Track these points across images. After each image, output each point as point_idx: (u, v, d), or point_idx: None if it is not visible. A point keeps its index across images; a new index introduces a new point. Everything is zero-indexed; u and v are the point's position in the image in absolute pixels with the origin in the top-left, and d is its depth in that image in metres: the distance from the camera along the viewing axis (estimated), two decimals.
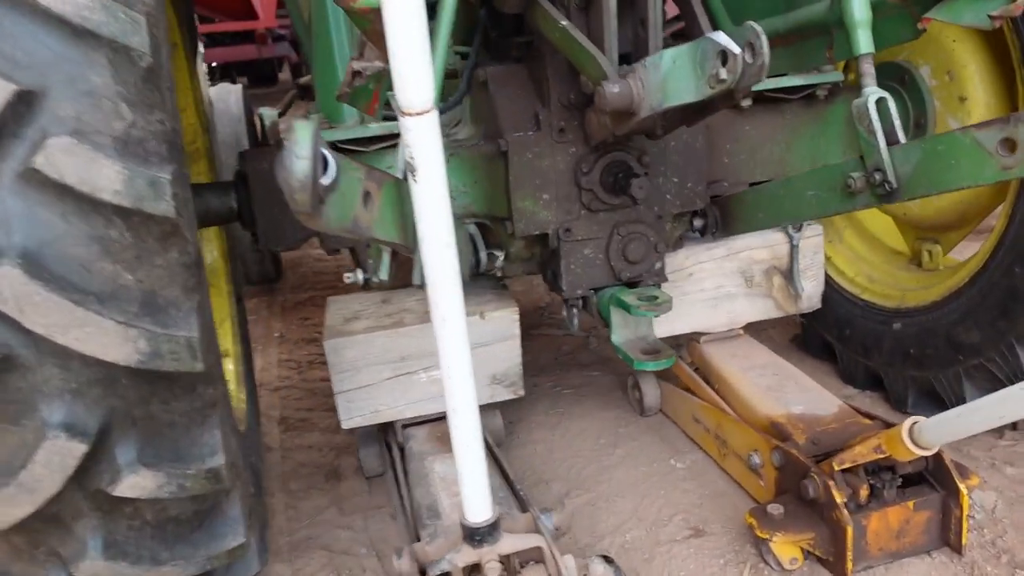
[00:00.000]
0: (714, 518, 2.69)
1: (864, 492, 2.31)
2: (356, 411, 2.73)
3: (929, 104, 2.93)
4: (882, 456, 2.28)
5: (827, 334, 3.46)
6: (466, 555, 2.08)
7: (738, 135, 2.83)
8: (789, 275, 3.01)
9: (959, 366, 2.82)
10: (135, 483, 1.74)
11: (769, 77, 2.73)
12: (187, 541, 1.90)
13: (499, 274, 2.80)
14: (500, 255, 2.66)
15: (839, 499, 2.28)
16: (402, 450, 2.82)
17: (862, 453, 2.31)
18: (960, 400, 2.85)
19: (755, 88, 2.69)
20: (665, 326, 2.98)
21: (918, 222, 3.18)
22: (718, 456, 2.93)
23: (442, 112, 3.14)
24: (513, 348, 2.78)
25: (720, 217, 2.79)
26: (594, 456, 3.12)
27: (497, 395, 2.83)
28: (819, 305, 3.13)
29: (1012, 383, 2.65)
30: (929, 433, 2.13)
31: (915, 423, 2.17)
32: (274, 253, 5.09)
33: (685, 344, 3.22)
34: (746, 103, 2.76)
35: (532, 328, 4.36)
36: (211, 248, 3.04)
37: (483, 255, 2.64)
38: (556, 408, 3.49)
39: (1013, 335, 2.61)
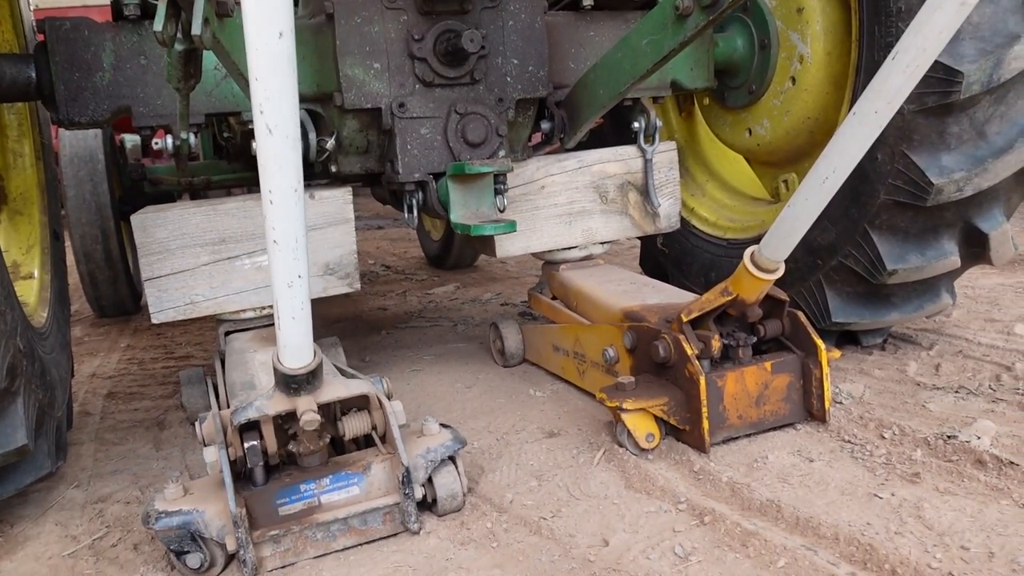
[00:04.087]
0: (571, 425, 2.46)
1: (716, 344, 2.14)
2: (168, 301, 2.43)
3: (771, 24, 2.94)
4: (730, 298, 2.13)
5: (694, 285, 3.34)
6: (278, 402, 1.80)
7: (582, 39, 2.76)
8: (645, 191, 2.90)
9: (818, 272, 2.72)
10: None
11: None
12: None
13: (333, 168, 2.60)
14: (330, 139, 2.46)
15: (689, 351, 2.10)
16: (223, 358, 2.51)
17: (710, 300, 2.16)
18: (825, 310, 2.74)
19: None
20: (519, 242, 2.81)
21: (771, 154, 3.14)
22: (578, 378, 2.72)
23: None
24: (346, 234, 2.55)
25: (567, 117, 2.69)
26: (447, 394, 2.86)
27: (331, 287, 2.57)
28: (677, 225, 3.01)
29: (872, 276, 2.59)
30: (767, 249, 2.00)
31: (752, 249, 2.05)
32: (131, 282, 4.73)
33: (544, 279, 3.05)
34: (587, 3, 2.73)
35: (400, 323, 4.13)
36: (24, 178, 2.84)
37: (312, 137, 2.45)
38: (413, 367, 3.23)
39: (865, 220, 2.53)
